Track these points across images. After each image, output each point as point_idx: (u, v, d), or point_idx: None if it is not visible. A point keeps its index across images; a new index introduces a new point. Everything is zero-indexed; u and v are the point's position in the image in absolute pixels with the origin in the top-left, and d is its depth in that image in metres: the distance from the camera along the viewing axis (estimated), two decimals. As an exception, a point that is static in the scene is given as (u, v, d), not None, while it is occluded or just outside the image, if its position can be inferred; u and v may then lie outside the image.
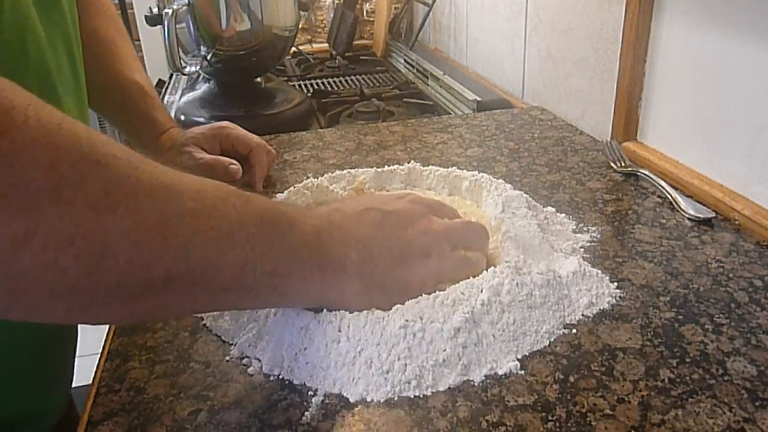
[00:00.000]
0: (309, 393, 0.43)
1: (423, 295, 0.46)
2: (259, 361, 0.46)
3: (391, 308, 0.45)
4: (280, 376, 0.44)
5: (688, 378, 0.43)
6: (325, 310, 0.45)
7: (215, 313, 0.50)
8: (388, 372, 0.43)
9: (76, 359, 0.59)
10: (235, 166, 0.74)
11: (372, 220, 0.45)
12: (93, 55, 0.63)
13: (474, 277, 0.49)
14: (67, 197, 0.28)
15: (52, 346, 0.54)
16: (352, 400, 0.42)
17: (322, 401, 0.42)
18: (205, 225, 0.35)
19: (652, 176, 0.72)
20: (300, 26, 1.39)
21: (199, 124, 1.06)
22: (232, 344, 0.48)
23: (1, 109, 0.27)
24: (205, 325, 0.51)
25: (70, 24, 0.52)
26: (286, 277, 0.40)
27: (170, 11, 0.92)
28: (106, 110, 0.74)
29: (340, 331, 0.44)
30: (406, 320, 0.44)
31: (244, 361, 0.46)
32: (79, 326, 0.54)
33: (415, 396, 0.42)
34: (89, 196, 0.29)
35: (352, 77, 1.42)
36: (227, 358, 0.47)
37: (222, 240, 0.35)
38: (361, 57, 1.59)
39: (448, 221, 0.50)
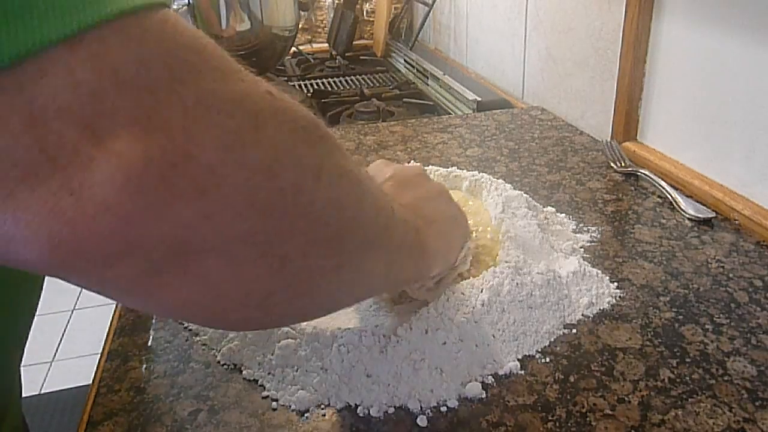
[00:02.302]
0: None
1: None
2: (248, 369, 0.46)
3: (464, 238, 0.49)
4: (269, 393, 0.44)
5: (688, 378, 0.43)
6: (313, 324, 0.46)
7: None
8: (387, 379, 0.43)
9: (76, 359, 0.59)
10: None
11: (397, 184, 0.47)
12: None
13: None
14: (321, 133, 0.28)
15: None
16: (352, 406, 0.42)
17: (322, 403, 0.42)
18: (370, 180, 0.35)
19: (652, 176, 0.72)
20: (300, 26, 1.39)
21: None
22: (218, 350, 0.48)
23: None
24: (190, 329, 0.50)
25: None
26: (420, 231, 0.41)
27: (170, 11, 0.92)
28: None
29: (333, 345, 0.44)
30: (403, 326, 0.44)
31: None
32: (78, 326, 0.53)
33: (415, 397, 0.42)
34: (322, 138, 0.29)
35: (352, 77, 1.42)
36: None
37: (380, 195, 0.36)
38: (361, 57, 1.59)
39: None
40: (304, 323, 0.47)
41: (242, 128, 0.23)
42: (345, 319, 0.49)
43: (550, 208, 0.66)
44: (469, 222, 0.53)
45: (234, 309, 0.27)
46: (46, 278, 0.37)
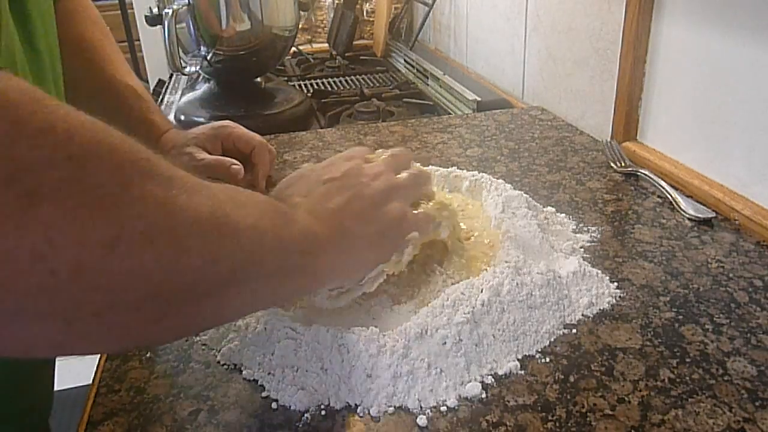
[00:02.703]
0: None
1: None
2: (248, 369, 0.46)
3: (396, 249, 0.48)
4: (269, 393, 0.44)
5: (688, 378, 0.43)
6: (313, 324, 0.45)
7: None
8: (387, 379, 0.43)
9: (76, 359, 0.59)
10: (237, 166, 0.74)
11: (335, 188, 0.47)
12: (83, 61, 0.62)
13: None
14: (138, 195, 0.28)
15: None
16: (352, 406, 0.42)
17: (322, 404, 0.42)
18: (241, 213, 0.35)
19: (652, 176, 0.72)
20: (300, 26, 1.39)
21: (199, 124, 1.06)
22: (218, 350, 0.48)
23: (61, 113, 0.26)
24: None
25: (54, 45, 0.51)
26: (311, 254, 0.41)
27: (170, 11, 0.92)
28: (98, 116, 0.73)
29: (333, 344, 0.44)
30: (402, 326, 0.44)
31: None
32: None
33: (415, 397, 0.42)
34: (153, 192, 0.28)
35: (352, 77, 1.42)
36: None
37: (259, 225, 0.36)
38: (361, 57, 1.59)
39: (378, 162, 0.51)
40: (304, 323, 0.47)
41: (3, 214, 0.23)
42: (345, 318, 0.49)
43: (550, 208, 0.66)
44: (455, 226, 0.53)
45: (28, 354, 0.28)
46: None
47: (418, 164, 0.58)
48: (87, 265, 0.25)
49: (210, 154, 0.75)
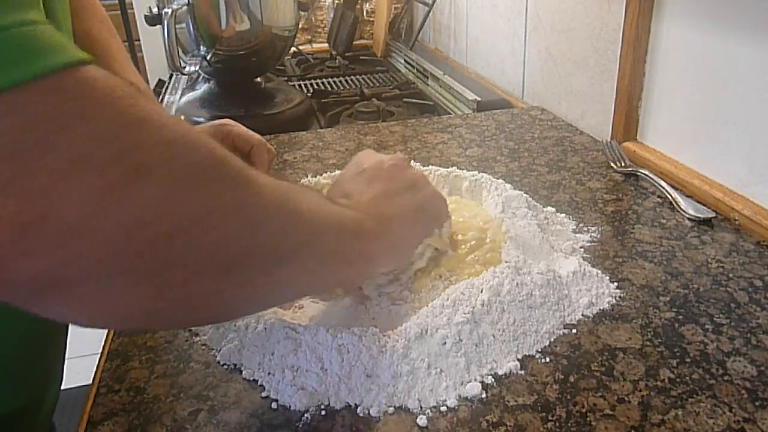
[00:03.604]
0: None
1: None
2: (248, 369, 0.46)
3: (436, 224, 0.51)
4: (269, 393, 0.44)
5: (688, 378, 0.43)
6: (313, 324, 0.45)
7: None
8: (387, 379, 0.43)
9: (76, 359, 0.59)
10: None
11: (366, 181, 0.51)
12: None
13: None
14: (217, 175, 0.31)
15: (44, 340, 0.53)
16: (352, 406, 0.42)
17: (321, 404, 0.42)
18: (299, 197, 0.37)
19: (652, 176, 0.72)
20: (300, 26, 1.39)
21: (199, 123, 1.06)
22: (218, 350, 0.48)
23: (150, 107, 0.28)
24: (190, 329, 0.50)
25: (65, 31, 0.52)
26: (364, 239, 0.43)
27: (170, 11, 0.92)
28: None
29: (333, 344, 0.44)
30: (402, 326, 0.45)
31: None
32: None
33: (415, 397, 0.42)
34: (231, 174, 0.32)
35: (352, 77, 1.42)
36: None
37: (315, 210, 0.39)
38: (361, 57, 1.59)
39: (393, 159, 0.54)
40: (304, 323, 0.47)
41: (113, 186, 0.26)
42: (345, 318, 0.49)
43: (550, 208, 0.66)
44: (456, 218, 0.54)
45: (118, 323, 0.31)
46: None
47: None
48: (178, 235, 0.28)
49: None
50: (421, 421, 0.41)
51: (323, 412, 0.42)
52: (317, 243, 0.38)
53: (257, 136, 0.78)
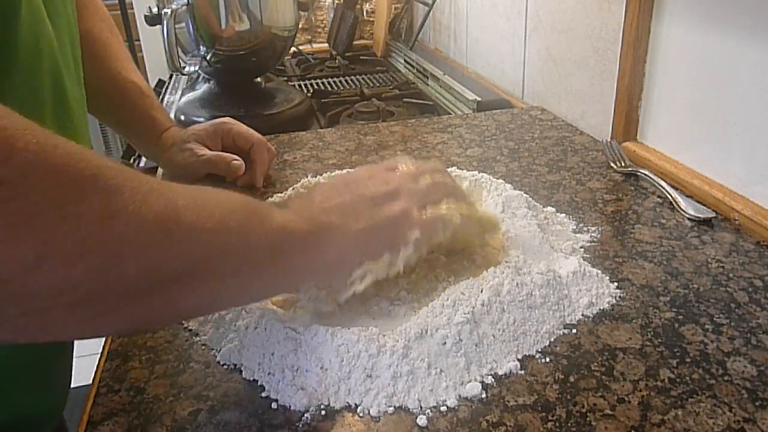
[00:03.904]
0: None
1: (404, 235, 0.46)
2: (248, 369, 0.46)
3: (390, 250, 0.45)
4: (269, 393, 0.44)
5: (688, 378, 0.43)
6: (313, 323, 0.45)
7: (200, 318, 0.50)
8: (387, 379, 0.43)
9: (76, 359, 0.59)
10: (238, 161, 0.74)
11: (338, 189, 0.47)
12: (89, 56, 0.63)
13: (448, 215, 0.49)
14: (71, 213, 0.29)
15: (54, 349, 0.54)
16: (352, 406, 0.42)
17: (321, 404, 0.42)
18: (200, 217, 0.35)
19: (652, 176, 0.72)
20: (300, 26, 1.39)
21: (199, 123, 1.06)
22: (218, 350, 0.48)
23: (1, 135, 0.27)
24: (190, 329, 0.50)
25: (73, 24, 0.52)
26: (283, 253, 0.40)
27: (169, 11, 0.92)
28: (102, 111, 0.74)
29: (333, 344, 0.44)
30: (402, 326, 0.45)
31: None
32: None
33: (415, 397, 0.42)
34: (91, 208, 0.30)
35: (352, 77, 1.42)
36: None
37: (218, 229, 0.36)
38: (361, 57, 1.59)
39: (412, 169, 0.51)
40: (305, 323, 0.47)
41: None
42: (345, 318, 0.49)
43: (550, 208, 0.66)
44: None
45: None
46: None
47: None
48: (11, 279, 0.27)
49: (210, 150, 0.75)
50: (421, 421, 0.41)
51: (323, 412, 0.42)
52: (207, 268, 0.36)
53: (257, 134, 0.78)
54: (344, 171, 0.52)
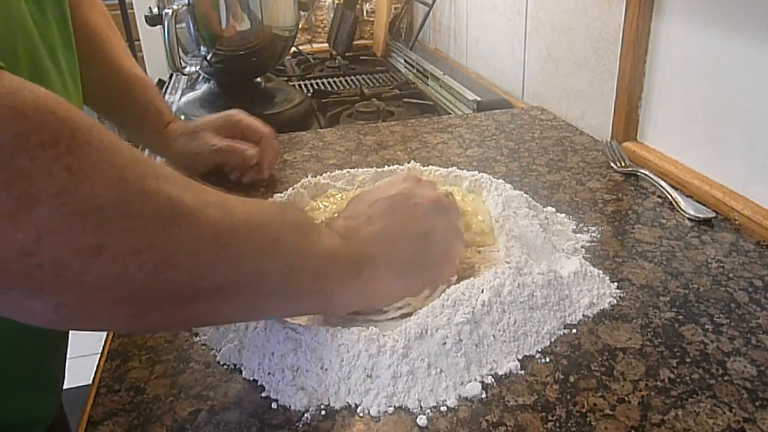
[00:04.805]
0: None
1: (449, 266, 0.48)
2: (248, 369, 0.46)
3: (429, 286, 0.47)
4: (269, 393, 0.44)
5: (688, 378, 0.43)
6: (313, 323, 0.46)
7: None
8: (387, 379, 0.43)
9: (76, 359, 0.59)
10: (252, 150, 0.74)
11: (381, 212, 0.47)
12: (87, 49, 0.62)
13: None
14: (135, 211, 0.30)
15: (49, 351, 0.53)
16: (352, 406, 0.42)
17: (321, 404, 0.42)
18: (255, 234, 0.37)
19: (652, 176, 0.72)
20: (300, 26, 1.39)
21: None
22: (218, 350, 0.48)
23: (67, 129, 0.28)
24: (190, 329, 0.50)
25: (68, 21, 0.51)
26: (327, 278, 0.41)
27: (170, 11, 0.92)
28: (101, 104, 0.73)
29: (333, 344, 0.44)
30: (402, 326, 0.45)
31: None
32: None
33: (415, 397, 0.42)
34: (155, 209, 0.31)
35: (352, 77, 1.42)
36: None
37: (269, 247, 0.37)
38: (361, 57, 1.59)
39: (428, 191, 0.51)
40: (304, 323, 0.47)
41: (1, 213, 0.26)
42: (345, 319, 0.49)
43: (550, 208, 0.66)
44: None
45: (30, 319, 0.31)
46: None
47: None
48: (70, 265, 0.28)
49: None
50: (421, 421, 0.41)
51: (323, 412, 0.42)
52: (250, 285, 0.37)
53: (267, 128, 0.77)
54: (385, 183, 0.52)
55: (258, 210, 0.38)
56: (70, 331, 0.57)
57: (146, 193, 0.31)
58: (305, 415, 0.42)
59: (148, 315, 0.33)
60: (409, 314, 0.47)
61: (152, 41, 1.77)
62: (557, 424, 0.40)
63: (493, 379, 0.44)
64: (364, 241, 0.45)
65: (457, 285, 0.48)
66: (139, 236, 0.30)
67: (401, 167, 0.73)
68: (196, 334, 0.50)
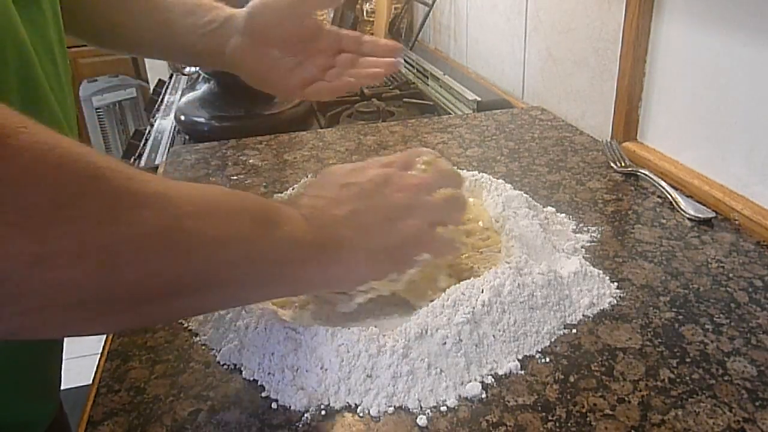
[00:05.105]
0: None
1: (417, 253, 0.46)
2: (248, 369, 0.46)
3: (397, 270, 0.46)
4: (269, 393, 0.44)
5: (688, 378, 0.43)
6: (313, 322, 0.46)
7: (200, 317, 0.50)
8: (387, 379, 0.43)
9: (76, 359, 0.59)
10: None
11: (351, 195, 0.46)
12: None
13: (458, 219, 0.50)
14: (71, 214, 0.29)
15: (43, 356, 0.53)
16: (352, 406, 0.42)
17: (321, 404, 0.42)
18: (204, 226, 0.35)
19: (652, 176, 0.72)
20: (300, 26, 1.39)
21: (199, 124, 1.06)
22: (218, 350, 0.48)
23: (4, 134, 0.27)
24: (190, 329, 0.50)
25: (52, 24, 0.49)
26: (288, 264, 0.40)
27: (170, 11, 0.92)
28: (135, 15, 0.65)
29: (333, 344, 0.44)
30: (402, 326, 0.45)
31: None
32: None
33: (415, 397, 0.42)
34: (92, 210, 0.30)
35: (352, 77, 1.42)
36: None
37: (221, 238, 0.36)
38: (361, 57, 1.58)
39: (418, 174, 0.48)
40: (304, 323, 0.47)
41: None
42: (345, 319, 0.49)
43: (550, 208, 0.65)
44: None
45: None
46: None
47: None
48: (8, 277, 0.27)
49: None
50: (421, 421, 0.41)
51: (323, 412, 0.42)
52: (207, 278, 0.35)
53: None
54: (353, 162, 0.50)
55: (208, 199, 0.37)
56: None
57: (81, 194, 0.29)
58: (305, 415, 0.42)
59: (105, 317, 0.32)
60: (373, 299, 0.48)
61: (152, 41, 1.77)
62: (557, 424, 0.40)
63: (493, 379, 0.44)
64: (330, 223, 0.44)
65: (457, 285, 0.48)
66: (77, 241, 0.29)
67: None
68: (196, 335, 0.50)
